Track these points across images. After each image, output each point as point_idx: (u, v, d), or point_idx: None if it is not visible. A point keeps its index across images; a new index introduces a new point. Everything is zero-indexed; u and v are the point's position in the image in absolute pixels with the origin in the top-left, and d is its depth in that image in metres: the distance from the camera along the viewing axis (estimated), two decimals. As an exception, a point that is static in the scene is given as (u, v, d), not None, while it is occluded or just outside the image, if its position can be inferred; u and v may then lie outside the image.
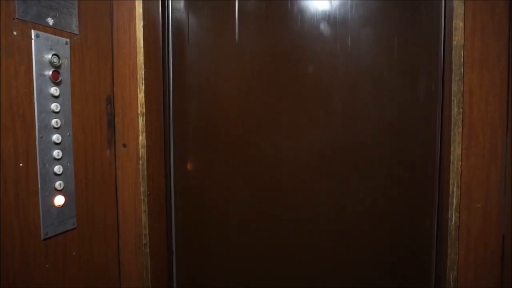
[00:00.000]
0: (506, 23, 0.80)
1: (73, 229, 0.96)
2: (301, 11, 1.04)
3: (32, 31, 0.83)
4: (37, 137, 0.85)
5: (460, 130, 0.85)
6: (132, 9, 1.04)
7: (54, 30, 0.89)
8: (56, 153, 0.89)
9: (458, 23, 0.83)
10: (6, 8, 0.78)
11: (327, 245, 1.08)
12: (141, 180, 1.07)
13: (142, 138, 1.06)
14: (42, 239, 0.87)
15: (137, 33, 1.04)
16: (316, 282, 1.09)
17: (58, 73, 0.90)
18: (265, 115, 1.09)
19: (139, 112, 1.06)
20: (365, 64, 1.00)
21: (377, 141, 1.02)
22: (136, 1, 1.04)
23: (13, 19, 0.80)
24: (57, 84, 0.90)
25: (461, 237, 0.87)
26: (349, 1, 1.00)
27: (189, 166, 1.19)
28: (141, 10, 1.04)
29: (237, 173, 1.14)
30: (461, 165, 0.86)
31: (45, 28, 0.87)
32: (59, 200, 0.91)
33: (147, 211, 1.08)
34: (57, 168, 0.90)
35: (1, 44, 0.77)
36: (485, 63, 0.82)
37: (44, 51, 0.86)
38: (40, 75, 0.86)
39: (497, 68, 0.82)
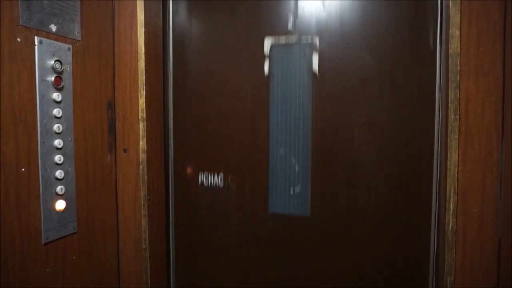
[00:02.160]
0: (501, 31, 0.82)
1: (74, 233, 0.96)
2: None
3: (36, 37, 0.85)
4: (39, 142, 0.86)
5: (457, 136, 0.86)
6: (134, 15, 1.06)
7: (57, 36, 0.90)
8: (58, 158, 0.90)
9: (455, 32, 0.85)
10: (10, 15, 0.79)
11: (321, 246, 1.09)
12: (141, 184, 1.08)
13: (142, 143, 1.07)
14: (43, 243, 0.87)
15: (139, 39, 1.06)
16: (313, 280, 1.10)
17: (60, 78, 0.91)
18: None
19: (139, 117, 1.07)
20: (362, 72, 1.02)
21: (375, 147, 1.03)
22: (138, 8, 1.05)
23: (17, 25, 0.81)
24: (59, 89, 0.91)
25: (458, 242, 0.89)
26: (340, 4, 1.02)
27: (188, 171, 1.20)
28: (142, 16, 1.05)
29: (235, 176, 1.15)
30: (457, 171, 0.87)
31: (48, 34, 0.88)
32: (60, 204, 0.91)
33: (147, 216, 1.09)
34: (59, 173, 0.91)
35: (4, 50, 0.78)
36: (480, 70, 0.84)
37: (47, 57, 0.88)
38: (43, 80, 0.87)
39: (492, 75, 0.83)
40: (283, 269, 1.12)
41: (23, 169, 0.83)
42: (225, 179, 1.16)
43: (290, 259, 1.12)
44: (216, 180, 1.17)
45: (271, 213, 1.12)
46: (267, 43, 1.09)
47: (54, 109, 0.89)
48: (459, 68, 0.85)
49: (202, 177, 1.18)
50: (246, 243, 1.15)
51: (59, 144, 0.91)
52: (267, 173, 1.12)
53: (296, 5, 1.06)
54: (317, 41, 1.04)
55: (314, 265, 1.10)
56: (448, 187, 0.88)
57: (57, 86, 0.90)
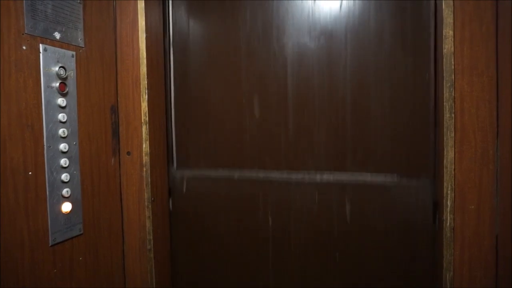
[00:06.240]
0: (493, 32, 0.84)
1: (80, 235, 0.99)
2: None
3: (40, 45, 0.87)
4: (45, 147, 0.89)
5: (453, 134, 0.88)
6: (135, 22, 1.08)
7: (61, 43, 0.93)
8: (63, 162, 0.93)
9: (448, 32, 0.87)
10: (16, 24, 0.82)
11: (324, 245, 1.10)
12: (145, 186, 1.11)
13: (145, 146, 1.10)
14: (50, 245, 0.90)
15: (140, 44, 1.08)
16: (318, 279, 1.12)
17: (65, 84, 0.93)
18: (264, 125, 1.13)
19: (142, 120, 1.09)
20: (359, 74, 1.04)
21: (373, 146, 1.05)
22: (139, 14, 1.08)
23: (23, 34, 0.83)
24: (64, 95, 0.93)
25: (456, 238, 0.90)
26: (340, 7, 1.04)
27: (190, 172, 1.22)
28: (143, 22, 1.08)
29: (236, 176, 1.17)
30: (454, 168, 0.89)
31: (53, 42, 0.91)
32: (67, 207, 0.94)
33: (151, 217, 1.11)
34: (64, 176, 0.93)
35: (11, 58, 0.81)
36: (474, 70, 0.86)
37: (52, 64, 0.90)
38: (48, 86, 0.89)
39: (486, 75, 0.85)
40: (286, 267, 1.14)
41: (30, 173, 0.86)
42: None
43: (290, 257, 1.14)
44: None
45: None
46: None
47: (59, 114, 0.92)
48: (453, 67, 0.87)
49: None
50: (247, 241, 1.17)
51: (65, 148, 0.93)
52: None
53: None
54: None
55: (313, 259, 1.12)
56: (445, 184, 0.90)
57: (62, 91, 0.92)
